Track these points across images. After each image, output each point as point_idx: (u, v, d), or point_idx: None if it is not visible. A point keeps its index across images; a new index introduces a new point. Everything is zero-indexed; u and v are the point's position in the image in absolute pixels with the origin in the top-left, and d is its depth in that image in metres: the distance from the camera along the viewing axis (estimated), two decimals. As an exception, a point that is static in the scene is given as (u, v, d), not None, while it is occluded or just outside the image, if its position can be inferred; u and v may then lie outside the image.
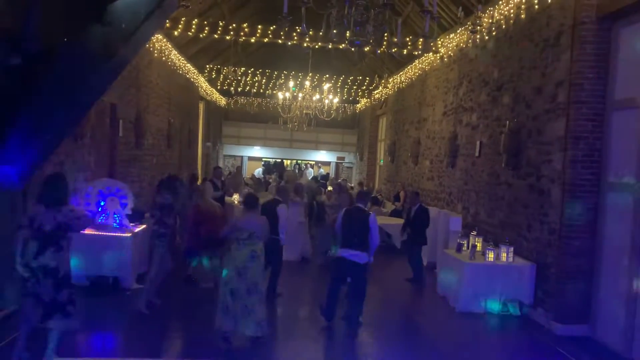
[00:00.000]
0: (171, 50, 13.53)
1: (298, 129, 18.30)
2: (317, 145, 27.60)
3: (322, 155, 28.78)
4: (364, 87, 19.98)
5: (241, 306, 5.89)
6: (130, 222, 8.38)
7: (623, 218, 6.49)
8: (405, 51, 12.62)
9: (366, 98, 21.42)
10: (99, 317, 6.84)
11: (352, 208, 7.13)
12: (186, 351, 6.09)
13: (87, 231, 7.90)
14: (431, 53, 12.86)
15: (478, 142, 10.01)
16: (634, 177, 6.32)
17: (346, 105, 23.25)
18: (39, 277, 4.85)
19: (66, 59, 3.14)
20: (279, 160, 29.63)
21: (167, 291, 7.54)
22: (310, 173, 27.82)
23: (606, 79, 6.87)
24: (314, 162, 29.96)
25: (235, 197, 13.64)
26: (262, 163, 29.25)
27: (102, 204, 8.14)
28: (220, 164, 26.84)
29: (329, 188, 17.88)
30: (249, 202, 6.43)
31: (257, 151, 28.47)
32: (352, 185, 21.57)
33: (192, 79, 17.01)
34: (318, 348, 6.40)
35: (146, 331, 6.47)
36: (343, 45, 10.11)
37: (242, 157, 28.81)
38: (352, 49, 5.05)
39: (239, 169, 23.11)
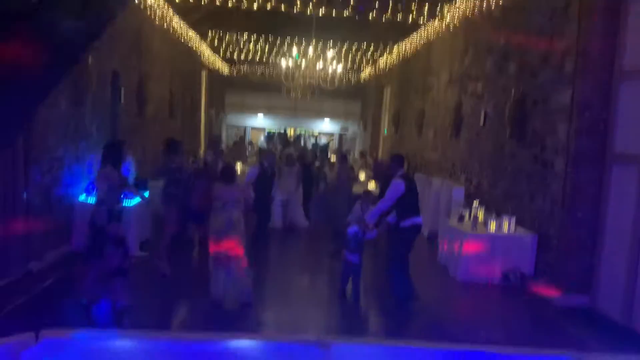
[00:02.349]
0: (173, 17, 13.32)
1: (302, 97, 18.15)
2: (320, 114, 27.44)
3: (326, 125, 28.65)
4: (369, 56, 19.71)
5: (225, 272, 6.07)
6: (133, 190, 8.38)
7: (627, 189, 6.44)
8: (410, 18, 12.40)
9: (371, 67, 21.15)
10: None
11: (408, 175, 7.09)
12: (183, 318, 6.21)
13: (90, 199, 7.96)
14: (437, 20, 12.62)
15: (483, 112, 9.91)
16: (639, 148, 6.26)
17: (350, 73, 23.00)
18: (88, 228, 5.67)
19: (43, 15, 2.98)
20: (282, 130, 29.52)
21: (173, 256, 7.59)
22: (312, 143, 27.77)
23: (614, 49, 6.73)
24: (317, 133, 29.86)
25: (238, 167, 13.63)
26: (265, 133, 29.16)
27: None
28: (224, 134, 26.79)
29: (332, 158, 17.86)
30: (225, 174, 6.41)
31: (260, 120, 28.31)
32: (355, 155, 21.54)
33: (194, 47, 16.80)
34: (317, 315, 6.45)
35: (147, 298, 6.54)
36: (347, 12, 9.91)
37: (245, 127, 28.70)
38: (356, 16, 4.93)
39: (242, 138, 23.03)
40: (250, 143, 21.56)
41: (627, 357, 1.63)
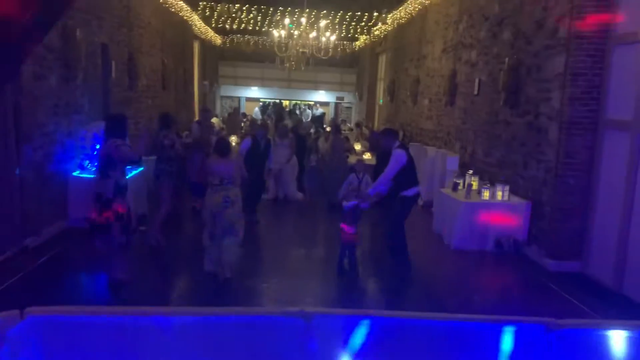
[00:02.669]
0: (162, -13, 13.08)
1: (296, 68, 17.97)
2: (316, 85, 27.23)
3: (321, 96, 28.45)
4: (363, 24, 19.45)
5: (218, 247, 6.03)
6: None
7: (619, 156, 6.46)
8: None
9: (365, 35, 20.89)
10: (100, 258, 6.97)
11: (404, 145, 7.04)
12: (179, 292, 6.24)
13: (84, 175, 7.96)
14: (431, -13, 12.43)
15: (477, 80, 9.85)
16: (632, 115, 6.25)
17: (345, 43, 22.73)
18: (93, 201, 5.69)
19: None
20: (278, 100, 29.31)
21: (169, 231, 7.63)
22: (309, 114, 27.61)
23: (608, 14, 6.66)
24: (312, 103, 29.64)
25: (233, 139, 13.58)
26: (260, 104, 28.95)
27: (97, 147, 8.09)
28: (218, 105, 26.61)
29: (328, 128, 17.79)
30: (219, 148, 6.21)
31: (254, 92, 28.10)
32: (351, 126, 21.45)
33: (185, 17, 16.54)
34: (312, 286, 6.51)
35: (144, 272, 6.60)
36: None
37: (239, 97, 28.48)
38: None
39: (237, 109, 22.86)
40: (245, 115, 21.40)
41: (603, 321, 1.67)
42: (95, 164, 6.09)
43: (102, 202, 5.55)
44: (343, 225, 6.66)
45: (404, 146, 7.07)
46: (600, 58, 6.75)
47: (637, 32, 6.22)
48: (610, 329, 1.67)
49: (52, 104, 7.45)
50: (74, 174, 7.98)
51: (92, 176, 7.82)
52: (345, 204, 6.77)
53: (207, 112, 11.90)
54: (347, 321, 1.43)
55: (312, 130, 13.59)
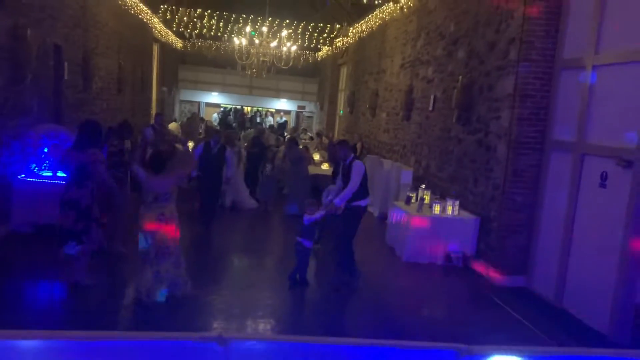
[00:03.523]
0: (121, -11, 12.86)
1: (257, 75, 17.93)
2: (277, 93, 27.24)
3: (283, 104, 28.48)
4: (325, 35, 19.61)
5: (153, 273, 5.52)
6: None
7: (562, 175, 6.71)
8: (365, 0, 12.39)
9: (328, 46, 21.06)
10: (43, 265, 6.75)
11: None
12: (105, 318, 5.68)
13: (30, 178, 7.71)
14: (391, 2, 12.65)
15: (432, 97, 10.06)
16: (575, 136, 6.51)
17: (307, 53, 22.84)
18: (65, 209, 5.68)
19: None
20: (239, 107, 29.16)
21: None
22: (270, 121, 27.57)
23: (556, 38, 6.94)
24: (274, 110, 29.64)
25: (190, 145, 13.42)
26: (220, 109, 28.73)
27: (45, 150, 7.87)
28: (176, 110, 26.25)
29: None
30: (154, 164, 5.63)
31: (215, 97, 27.87)
32: (312, 135, 21.53)
33: (145, 19, 16.29)
34: (262, 301, 6.46)
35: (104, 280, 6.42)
36: None
37: (199, 102, 28.18)
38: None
39: (195, 115, 22.60)
40: (202, 120, 21.16)
41: (513, 347, 1.71)
42: (66, 171, 5.96)
43: (81, 210, 5.65)
44: (302, 240, 6.53)
45: (359, 158, 7.21)
46: (548, 81, 7.02)
47: (582, 57, 6.50)
48: (518, 355, 1.71)
49: (-4, 105, 7.20)
50: (20, 177, 7.71)
51: (54, 182, 7.68)
52: (307, 216, 6.54)
53: (160, 116, 11.78)
54: (268, 347, 1.43)
55: (272, 142, 13.56)
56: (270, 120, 28.39)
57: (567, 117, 6.73)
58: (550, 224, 6.90)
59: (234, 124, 22.31)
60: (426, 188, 8.82)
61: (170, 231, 5.56)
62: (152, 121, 14.04)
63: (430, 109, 10.10)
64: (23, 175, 7.75)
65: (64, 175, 7.83)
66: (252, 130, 15.92)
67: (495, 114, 7.65)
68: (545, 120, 7.09)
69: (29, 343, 1.53)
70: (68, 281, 5.85)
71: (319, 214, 6.59)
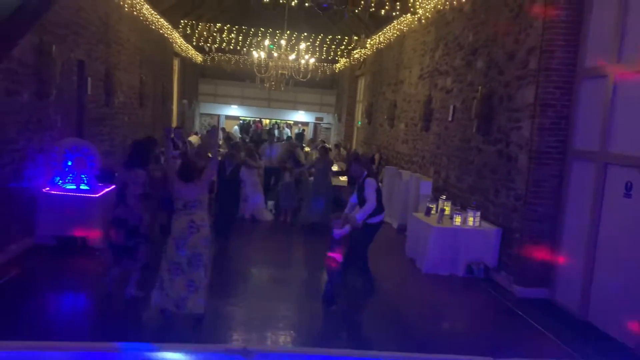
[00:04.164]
0: (143, 5, 13.10)
1: (275, 88, 18.07)
2: (295, 105, 27.36)
3: (301, 116, 28.59)
4: (343, 47, 19.70)
5: (186, 282, 5.42)
6: (99, 182, 8.29)
7: (585, 185, 6.62)
8: (383, 11, 12.42)
9: (345, 58, 21.15)
10: (67, 277, 6.85)
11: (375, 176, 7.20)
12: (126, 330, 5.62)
13: (54, 191, 7.85)
14: (409, 14, 12.68)
15: (451, 107, 10.03)
16: (598, 145, 6.42)
17: (325, 65, 22.96)
18: (116, 226, 5.93)
19: None
20: (257, 119, 29.39)
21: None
22: (287, 133, 27.73)
23: (577, 47, 6.88)
24: (292, 122, 29.79)
25: (210, 155, 13.52)
26: (239, 122, 28.98)
27: (69, 164, 8.01)
28: (197, 123, 26.54)
29: (307, 149, 17.85)
30: (183, 173, 5.63)
31: (234, 110, 28.11)
32: (330, 146, 21.57)
33: (166, 35, 16.56)
34: (280, 314, 6.41)
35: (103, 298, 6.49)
36: (307, 5, 9.80)
37: (219, 115, 28.46)
38: (320, 11, 4.92)
39: (215, 127, 22.78)
40: (224, 130, 21.34)
41: None
42: (116, 188, 6.18)
43: (129, 227, 5.89)
44: (334, 255, 6.39)
45: (373, 175, 7.17)
46: (568, 90, 6.95)
47: (603, 66, 6.43)
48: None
49: (23, 119, 7.35)
50: (44, 190, 7.86)
51: (78, 195, 7.88)
52: (337, 231, 6.43)
53: (178, 130, 12.06)
54: (291, 359, 1.43)
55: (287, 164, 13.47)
56: (287, 132, 28.55)
57: (589, 127, 6.65)
58: (574, 234, 6.79)
59: (246, 139, 22.30)
60: (446, 199, 8.75)
61: (201, 239, 5.53)
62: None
63: (450, 119, 10.06)
64: (47, 188, 7.89)
65: (87, 188, 7.99)
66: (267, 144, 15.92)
67: (515, 124, 7.59)
68: (567, 129, 7.01)
69: (56, 354, 1.56)
70: (122, 293, 6.03)
71: (347, 227, 6.51)
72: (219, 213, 9.25)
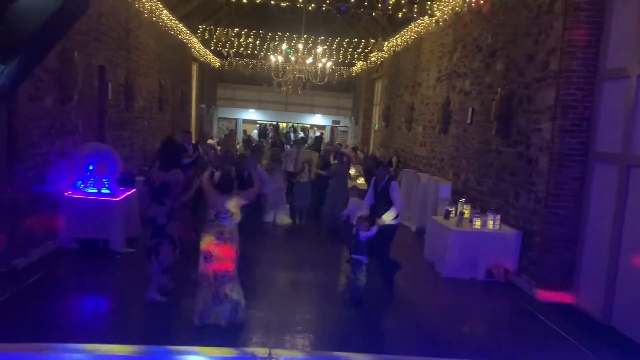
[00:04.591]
0: (162, 11, 13.25)
1: (292, 92, 18.13)
2: (312, 109, 27.41)
3: (318, 119, 28.63)
4: (360, 50, 19.70)
5: (212, 294, 5.46)
6: (120, 186, 8.39)
7: (608, 188, 6.52)
8: (400, 14, 12.40)
9: (362, 61, 21.14)
10: (89, 280, 6.94)
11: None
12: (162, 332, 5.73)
13: (76, 195, 7.97)
14: (427, 16, 12.64)
15: (470, 109, 9.96)
16: (620, 147, 6.32)
17: (342, 68, 22.98)
18: (145, 225, 6.12)
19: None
20: (275, 123, 29.52)
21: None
22: (311, 136, 27.79)
23: (598, 48, 6.79)
24: (309, 126, 29.84)
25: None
26: (257, 126, 29.13)
27: (90, 168, 8.12)
28: (215, 127, 26.75)
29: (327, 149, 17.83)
30: (223, 185, 5.71)
31: (251, 114, 28.26)
32: (346, 149, 21.58)
33: (184, 40, 16.72)
34: (299, 317, 6.42)
35: (131, 297, 6.56)
36: (324, 8, 9.83)
37: (236, 119, 28.64)
38: (338, 15, 4.93)
39: (233, 131, 22.98)
40: (245, 132, 21.55)
41: None
42: (150, 189, 6.18)
43: (155, 227, 5.98)
44: (359, 257, 6.56)
45: (394, 178, 7.46)
46: (590, 92, 6.85)
47: (625, 67, 6.33)
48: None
49: (46, 124, 7.48)
50: (66, 194, 7.97)
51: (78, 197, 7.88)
52: (364, 233, 6.56)
53: (188, 134, 12.22)
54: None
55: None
56: (301, 134, 28.60)
57: (611, 128, 6.55)
58: (596, 238, 6.69)
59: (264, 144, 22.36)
60: (465, 202, 8.69)
61: (228, 252, 5.48)
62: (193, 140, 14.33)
63: (469, 121, 9.99)
64: (69, 192, 8.01)
65: (108, 192, 8.09)
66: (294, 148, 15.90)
67: (535, 126, 7.51)
68: (588, 131, 6.92)
69: (77, 356, 1.58)
70: (145, 297, 6.05)
71: (373, 229, 6.66)
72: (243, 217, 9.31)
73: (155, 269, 6.05)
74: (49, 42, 1.64)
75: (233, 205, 5.55)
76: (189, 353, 1.43)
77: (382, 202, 7.14)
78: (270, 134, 27.94)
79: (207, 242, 5.46)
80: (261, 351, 1.53)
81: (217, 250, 5.44)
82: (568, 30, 6.87)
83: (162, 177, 6.04)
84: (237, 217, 5.61)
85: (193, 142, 13.18)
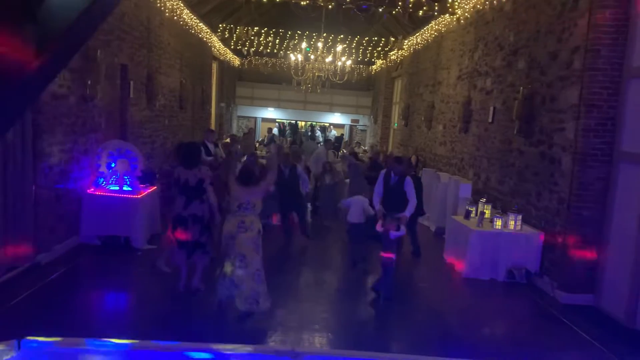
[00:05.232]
0: (183, 10, 13.36)
1: (311, 90, 18.13)
2: (331, 108, 27.38)
3: (336, 118, 28.60)
4: (379, 48, 19.61)
5: (231, 280, 5.69)
6: (141, 183, 8.48)
7: (633, 189, 6.39)
8: (421, 12, 12.32)
9: (381, 59, 21.05)
10: (111, 276, 7.03)
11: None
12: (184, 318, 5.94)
13: (98, 192, 8.07)
14: (447, 14, 12.53)
15: (491, 108, 9.85)
16: (647, 148, 6.20)
17: (361, 66, 22.91)
18: (190, 223, 6.20)
19: None
20: (293, 121, 29.58)
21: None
22: (319, 136, 27.83)
23: (624, 46, 6.66)
24: (327, 124, 29.83)
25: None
26: (276, 124, 29.21)
27: (112, 165, 8.23)
28: (234, 125, 26.89)
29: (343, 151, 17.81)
30: (242, 178, 5.98)
31: (270, 112, 28.34)
32: (366, 148, 21.52)
33: (204, 39, 16.83)
34: (317, 316, 6.40)
35: (151, 294, 6.63)
36: (345, 6, 9.83)
37: (255, 118, 28.74)
38: (360, 14, 4.92)
39: (252, 130, 23.08)
40: (270, 130, 21.64)
41: None
42: (178, 187, 6.34)
43: (204, 223, 6.29)
44: (390, 254, 6.69)
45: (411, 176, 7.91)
46: (615, 90, 6.73)
47: (652, 65, 6.20)
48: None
49: (70, 122, 7.59)
50: (89, 191, 8.08)
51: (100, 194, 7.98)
52: (394, 233, 6.77)
53: (211, 133, 12.28)
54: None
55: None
56: (319, 134, 28.60)
57: (638, 128, 6.42)
58: (621, 239, 6.56)
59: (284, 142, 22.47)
60: (486, 202, 8.60)
61: (250, 240, 5.78)
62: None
63: (490, 120, 9.88)
64: (92, 189, 8.12)
65: (130, 189, 8.17)
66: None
67: (558, 125, 7.40)
68: (613, 131, 6.79)
69: (105, 351, 1.60)
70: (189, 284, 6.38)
71: (403, 229, 6.90)
72: (284, 215, 9.61)
73: (205, 261, 6.42)
74: (79, 41, 1.66)
75: (246, 193, 5.85)
76: (210, 351, 1.44)
77: (395, 197, 7.28)
78: (288, 132, 28.15)
79: (229, 229, 5.80)
80: (284, 349, 1.53)
81: (237, 237, 5.74)
82: (593, 27, 6.75)
83: (195, 175, 6.27)
84: (259, 208, 5.97)
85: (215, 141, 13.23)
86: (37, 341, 1.55)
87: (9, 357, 1.54)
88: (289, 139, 24.94)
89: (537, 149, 7.99)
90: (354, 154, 13.67)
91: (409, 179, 7.41)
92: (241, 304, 5.69)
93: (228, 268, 5.74)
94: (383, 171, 7.76)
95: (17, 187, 6.28)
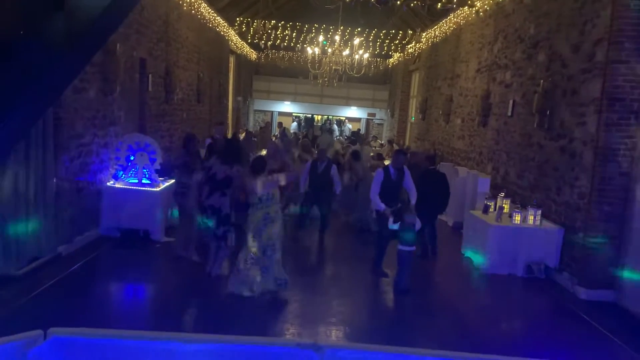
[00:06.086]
0: (201, 3, 13.40)
1: (328, 84, 18.09)
2: (347, 101, 27.30)
3: (353, 112, 28.51)
4: (397, 42, 19.48)
5: (260, 268, 6.10)
6: (160, 176, 8.55)
7: (657, 184, 6.28)
8: (439, 4, 12.20)
9: (399, 53, 20.91)
10: (131, 267, 7.12)
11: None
12: (198, 313, 6.01)
13: (118, 185, 8.16)
14: (467, 7, 12.40)
15: (511, 101, 9.73)
16: (672, 142, 6.08)
17: (378, 60, 22.79)
18: (207, 214, 6.55)
19: (24, 53, 2.88)
20: (309, 115, 29.58)
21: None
22: (335, 130, 27.79)
23: (648, 37, 6.52)
24: (344, 118, 29.78)
25: (264, 153, 13.69)
26: (293, 118, 29.24)
27: (131, 158, 8.30)
28: (251, 119, 26.97)
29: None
30: (255, 166, 6.21)
31: (287, 106, 28.35)
32: (383, 142, 21.44)
33: (222, 32, 16.87)
34: (335, 308, 6.41)
35: (167, 287, 6.70)
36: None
37: (272, 112, 28.78)
38: (379, 6, 4.89)
39: (269, 124, 23.14)
40: (280, 125, 21.60)
41: None
42: (209, 179, 6.64)
43: (221, 216, 6.56)
44: (406, 247, 6.74)
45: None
46: (639, 84, 6.60)
47: (677, 57, 6.07)
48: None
49: (90, 115, 7.67)
50: (108, 184, 8.17)
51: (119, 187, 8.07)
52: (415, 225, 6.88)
53: (220, 126, 12.32)
54: (361, 356, 1.42)
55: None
56: (335, 128, 28.52)
57: (662, 122, 6.30)
58: (643, 235, 6.46)
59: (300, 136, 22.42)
60: (505, 196, 8.51)
61: (276, 230, 6.12)
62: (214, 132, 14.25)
63: (509, 114, 9.77)
64: (112, 182, 8.20)
65: (149, 182, 8.25)
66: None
67: (580, 119, 7.29)
68: (637, 125, 6.67)
69: (128, 342, 1.62)
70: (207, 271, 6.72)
71: (418, 222, 6.98)
72: (305, 206, 9.73)
73: (226, 252, 6.74)
74: (104, 35, 1.67)
75: (260, 185, 6.06)
76: (237, 343, 1.45)
77: (397, 190, 7.45)
78: (302, 125, 28.23)
79: (255, 223, 6.05)
80: (306, 342, 1.54)
81: (264, 230, 6.04)
82: (616, 19, 6.63)
83: (226, 171, 6.53)
84: (277, 196, 6.25)
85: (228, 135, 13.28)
86: (63, 332, 1.57)
87: (35, 347, 1.57)
88: (304, 131, 24.98)
89: (557, 143, 7.88)
90: (379, 155, 13.55)
91: (407, 170, 7.53)
92: (272, 284, 6.14)
93: (257, 252, 6.07)
94: (381, 169, 7.66)
95: (38, 179, 6.37)
